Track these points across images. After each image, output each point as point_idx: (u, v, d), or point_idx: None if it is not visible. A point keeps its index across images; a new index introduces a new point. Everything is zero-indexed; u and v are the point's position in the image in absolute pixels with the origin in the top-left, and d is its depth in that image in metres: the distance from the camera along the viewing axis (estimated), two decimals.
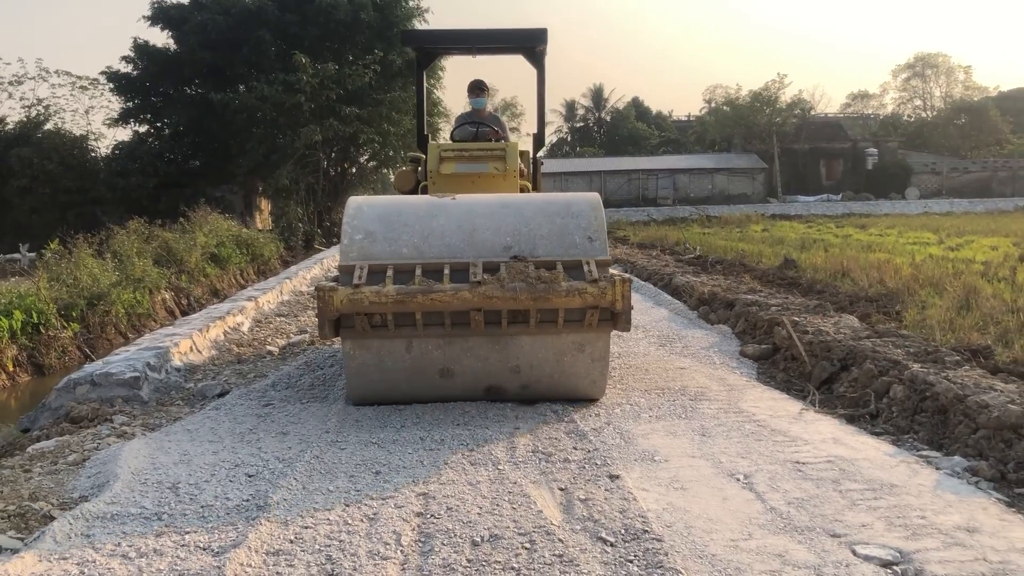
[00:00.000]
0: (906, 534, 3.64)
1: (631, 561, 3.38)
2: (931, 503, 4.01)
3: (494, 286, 5.21)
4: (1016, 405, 4.79)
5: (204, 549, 3.55)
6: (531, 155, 7.78)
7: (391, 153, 33.56)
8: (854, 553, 3.45)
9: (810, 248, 17.56)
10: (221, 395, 6.49)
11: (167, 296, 15.73)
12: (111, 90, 31.36)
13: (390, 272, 5.35)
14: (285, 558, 3.46)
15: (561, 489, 4.24)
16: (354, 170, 35.79)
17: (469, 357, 5.69)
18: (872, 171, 57.13)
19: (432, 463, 4.66)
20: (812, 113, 59.68)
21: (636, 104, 78.00)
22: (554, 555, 3.44)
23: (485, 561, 3.40)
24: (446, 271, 5.33)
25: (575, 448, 4.91)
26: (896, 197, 52.10)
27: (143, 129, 31.97)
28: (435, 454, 4.82)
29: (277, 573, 3.33)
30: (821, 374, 6.55)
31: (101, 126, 34.15)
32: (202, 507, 4.03)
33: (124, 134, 33.71)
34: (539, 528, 3.71)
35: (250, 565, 3.39)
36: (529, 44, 7.77)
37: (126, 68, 31.09)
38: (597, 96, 78.76)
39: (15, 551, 3.57)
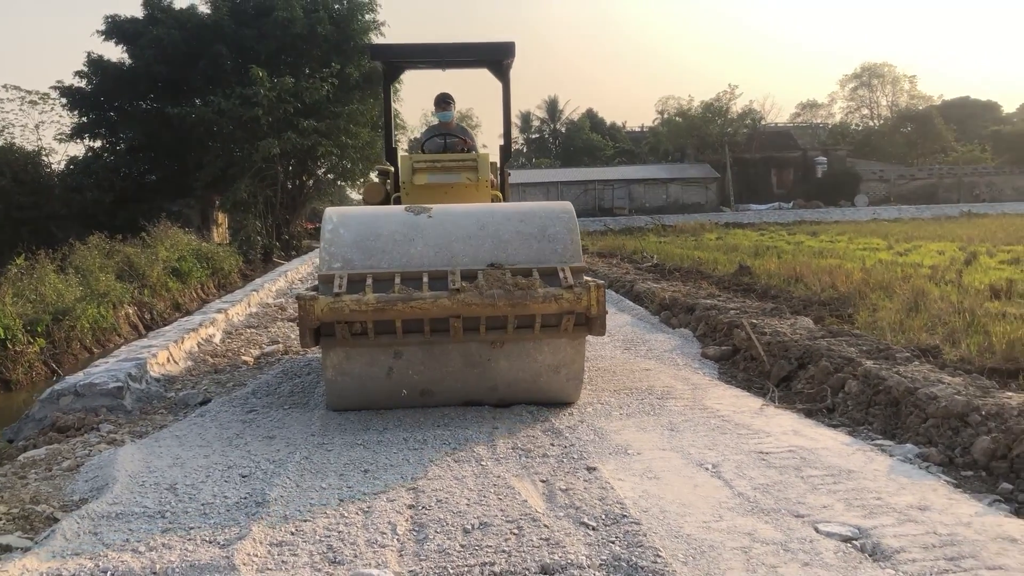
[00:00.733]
0: (863, 513, 3.95)
1: (613, 542, 3.64)
2: (886, 486, 4.33)
3: (473, 293, 5.37)
4: (962, 396, 5.15)
5: (210, 542, 3.75)
6: (498, 165, 7.97)
7: (349, 166, 33.69)
8: (816, 530, 3.75)
9: (764, 255, 18.03)
10: (203, 403, 6.65)
11: (130, 311, 15.76)
12: (63, 105, 31.03)
13: (369, 281, 5.47)
14: (288, 548, 3.68)
15: (543, 481, 4.50)
16: (311, 183, 35.83)
17: (449, 379, 5.91)
18: (822, 179, 58.38)
19: (418, 461, 4.89)
20: (763, 123, 60.93)
21: (590, 115, 78.77)
22: (541, 539, 3.69)
23: (477, 546, 3.64)
24: (425, 279, 5.48)
25: (552, 444, 5.18)
26: (846, 204, 53.27)
27: (97, 144, 31.70)
28: (419, 453, 5.05)
29: (283, 562, 3.55)
30: (780, 372, 6.88)
31: (52, 141, 33.70)
32: (203, 505, 4.23)
33: (76, 149, 33.44)
34: (525, 516, 3.97)
35: (256, 555, 3.60)
36: (497, 58, 7.92)
37: (79, 83, 30.85)
38: (552, 107, 79.44)
39: (26, 549, 3.74)
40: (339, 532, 3.84)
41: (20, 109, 31.43)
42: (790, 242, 23.52)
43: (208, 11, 31.37)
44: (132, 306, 15.86)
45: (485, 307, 5.41)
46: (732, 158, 56.81)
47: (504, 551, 3.58)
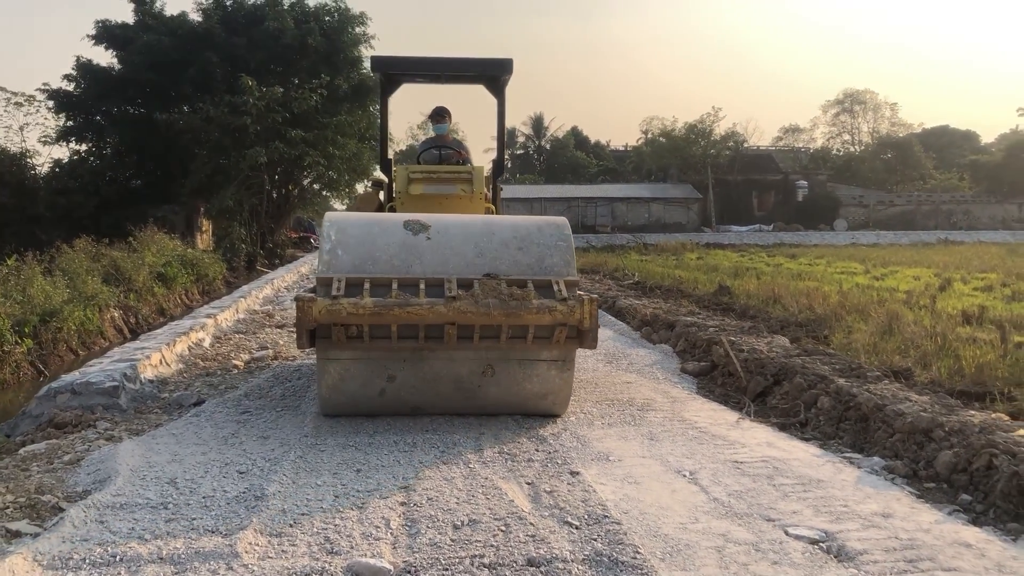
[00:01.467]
0: (831, 519, 4.20)
1: (595, 540, 3.87)
2: (852, 495, 4.58)
3: (468, 301, 5.50)
4: (927, 413, 5.42)
5: (213, 532, 3.94)
6: (492, 180, 8.14)
7: (335, 176, 33.85)
8: (786, 533, 4.00)
9: (743, 276, 18.31)
10: (197, 404, 6.83)
11: (116, 314, 15.85)
12: (51, 108, 31.02)
13: (367, 285, 5.59)
14: (288, 539, 3.88)
15: (528, 483, 4.72)
16: (296, 192, 35.96)
17: (440, 401, 6.09)
18: (802, 203, 59.07)
19: (408, 463, 5.10)
20: (745, 146, 61.54)
21: (575, 133, 79.47)
22: (528, 536, 3.91)
23: (467, 540, 3.86)
24: (422, 286, 5.61)
25: (537, 450, 5.40)
26: (825, 228, 53.93)
27: (83, 148, 31.70)
28: (409, 455, 5.26)
29: (283, 551, 3.74)
30: (756, 388, 7.14)
31: (36, 143, 33.46)
32: (203, 498, 4.42)
33: (60, 152, 33.34)
34: (512, 515, 4.19)
35: (257, 544, 3.80)
36: (496, 74, 8.05)
37: (68, 86, 30.90)
38: (537, 124, 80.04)
39: (36, 535, 3.93)
40: (335, 525, 4.04)
41: (5, 111, 31.44)
42: (769, 264, 23.88)
43: (199, 19, 31.53)
44: (118, 310, 15.96)
45: (480, 316, 5.52)
46: (714, 179, 57.41)
47: (493, 545, 3.79)
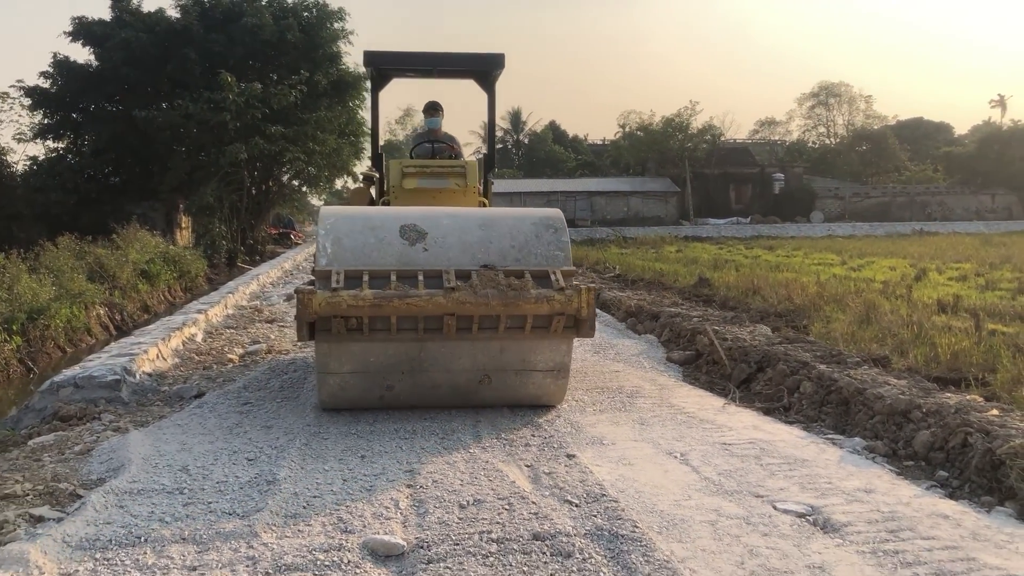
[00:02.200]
0: (816, 494, 4.44)
1: (595, 516, 4.09)
2: (836, 473, 4.83)
3: (467, 292, 5.60)
4: (905, 396, 5.68)
5: (230, 514, 4.13)
6: (483, 173, 8.23)
7: (314, 172, 33.89)
8: (774, 508, 4.23)
9: (722, 268, 18.60)
10: (198, 396, 6.99)
11: (101, 312, 15.93)
12: (28, 106, 30.81)
13: (366, 277, 5.68)
14: (303, 519, 4.07)
15: (527, 466, 4.93)
16: (276, 188, 35.96)
17: (438, 402, 6.25)
18: (779, 195, 59.61)
19: (410, 448, 5.29)
20: (722, 139, 61.93)
21: (553, 127, 79.69)
22: (531, 513, 4.12)
23: (474, 518, 4.07)
24: (420, 277, 5.71)
25: (533, 435, 5.61)
26: (802, 220, 54.47)
27: (61, 145, 31.55)
28: (410, 442, 5.46)
29: (299, 530, 3.93)
30: (740, 375, 7.39)
31: (10, 140, 33.08)
32: (217, 483, 4.60)
33: (35, 149, 33.11)
34: (514, 494, 4.40)
35: (275, 524, 3.99)
36: (487, 69, 8.16)
37: (44, 83, 30.73)
38: (515, 119, 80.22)
39: (60, 520, 4.09)
40: (347, 506, 4.24)
41: None
42: (748, 256, 24.21)
43: (177, 15, 31.43)
44: (103, 307, 16.03)
45: (479, 306, 5.61)
46: (692, 173, 57.81)
47: (499, 522, 4.00)
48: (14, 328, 12.11)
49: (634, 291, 14.35)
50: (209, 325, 10.98)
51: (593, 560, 3.58)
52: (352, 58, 33.59)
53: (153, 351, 8.11)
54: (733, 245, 32.32)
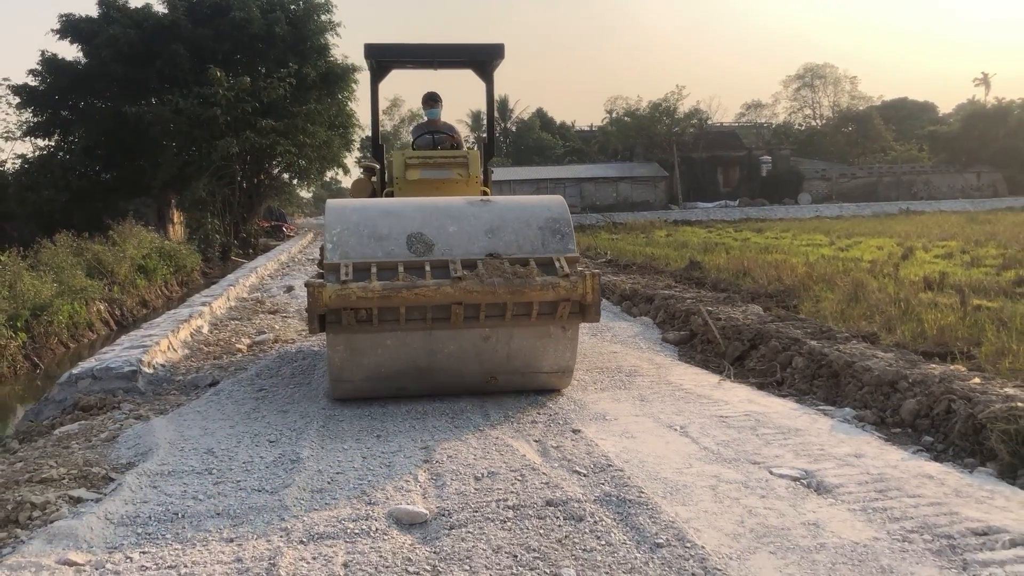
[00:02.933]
0: (809, 460, 4.72)
1: (603, 484, 4.36)
2: (827, 440, 5.11)
3: (474, 281, 5.75)
4: (892, 367, 5.96)
5: (260, 491, 4.38)
6: (483, 162, 8.29)
7: (305, 164, 34.06)
8: (771, 473, 4.51)
9: (712, 251, 18.88)
10: (212, 384, 7.23)
11: (101, 307, 16.13)
12: (16, 104, 30.88)
13: (374, 269, 5.82)
14: (328, 494, 4.32)
15: (536, 441, 5.20)
16: (267, 181, 36.12)
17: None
18: (766, 178, 59.99)
19: (423, 428, 5.56)
20: (709, 123, 62.20)
21: (540, 115, 79.74)
22: (542, 483, 4.39)
23: (489, 488, 4.33)
24: (427, 268, 5.86)
25: (539, 413, 5.88)
26: (789, 202, 54.86)
27: (51, 143, 31.64)
28: (422, 421, 5.72)
29: (326, 504, 4.19)
30: (734, 352, 7.67)
31: None
32: (243, 463, 4.85)
33: (22, 147, 33.14)
34: (526, 466, 4.67)
35: (302, 499, 4.24)
36: (487, 58, 8.22)
37: (33, 82, 30.80)
38: (502, 107, 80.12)
39: (98, 500, 4.34)
40: (368, 481, 4.50)
41: None
42: (737, 239, 24.51)
43: (165, 11, 31.53)
44: (103, 303, 16.23)
45: (486, 294, 5.75)
46: (679, 157, 58.13)
47: (513, 492, 4.27)
48: (19, 325, 12.33)
49: (627, 275, 14.62)
50: (214, 317, 11.21)
51: (604, 523, 3.85)
52: (340, 50, 33.79)
53: (164, 343, 8.34)
54: (722, 228, 32.63)
